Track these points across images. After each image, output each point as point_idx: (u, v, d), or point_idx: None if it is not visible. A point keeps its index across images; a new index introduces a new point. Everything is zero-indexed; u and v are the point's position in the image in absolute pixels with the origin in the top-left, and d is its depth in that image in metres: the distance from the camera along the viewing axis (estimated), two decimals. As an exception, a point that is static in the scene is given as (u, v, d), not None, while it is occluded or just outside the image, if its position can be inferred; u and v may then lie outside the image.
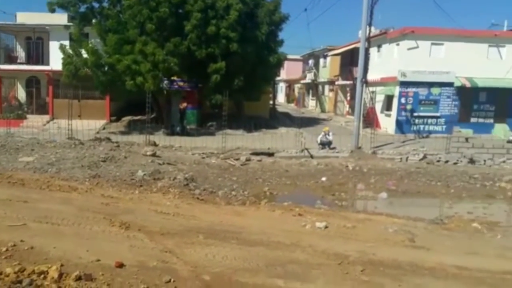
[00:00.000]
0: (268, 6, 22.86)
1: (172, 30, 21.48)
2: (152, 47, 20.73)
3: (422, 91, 24.26)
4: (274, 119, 29.29)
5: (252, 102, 26.85)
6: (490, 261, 6.23)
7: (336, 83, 35.76)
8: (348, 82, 31.83)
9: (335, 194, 11.39)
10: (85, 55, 21.94)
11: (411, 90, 24.21)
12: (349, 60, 31.27)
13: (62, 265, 4.37)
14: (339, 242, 6.76)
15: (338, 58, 35.09)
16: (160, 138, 18.39)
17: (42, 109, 27.78)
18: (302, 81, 47.33)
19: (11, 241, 5.03)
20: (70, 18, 25.19)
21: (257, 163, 14.68)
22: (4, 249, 4.79)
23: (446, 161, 15.54)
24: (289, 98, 56.03)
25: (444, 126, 23.82)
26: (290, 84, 55.88)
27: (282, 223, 7.96)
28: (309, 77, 43.63)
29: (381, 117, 26.23)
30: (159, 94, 22.70)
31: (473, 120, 24.77)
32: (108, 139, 16.71)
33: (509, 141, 18.99)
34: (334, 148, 17.47)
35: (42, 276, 4.11)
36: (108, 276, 4.44)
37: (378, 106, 26.50)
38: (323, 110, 40.08)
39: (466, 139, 17.67)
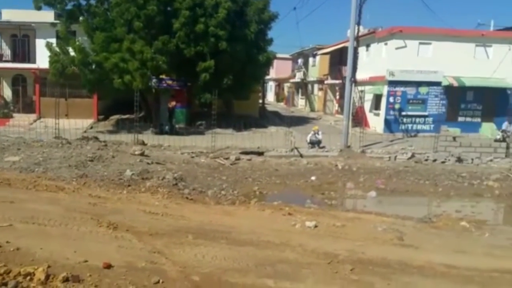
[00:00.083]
0: (257, 4, 22.84)
1: (160, 28, 21.35)
2: (140, 45, 20.58)
3: (410, 90, 24.45)
4: (264, 118, 29.30)
5: (242, 101, 26.82)
6: (478, 259, 6.29)
7: (326, 82, 35.89)
8: (337, 81, 31.96)
9: (324, 193, 11.43)
10: (72, 53, 21.70)
11: (399, 89, 24.39)
12: (338, 59, 31.39)
13: (49, 267, 4.29)
14: (328, 241, 6.77)
15: (327, 57, 35.20)
16: (149, 137, 18.25)
17: (28, 108, 27.41)
18: (291, 80, 47.43)
19: (-4, 242, 4.93)
20: (57, 16, 24.92)
21: (246, 162, 14.65)
22: (-11, 250, 4.69)
23: (434, 160, 15.67)
24: (279, 97, 56.11)
25: (432, 125, 24.04)
26: (279, 83, 55.96)
27: (272, 222, 7.95)
28: (299, 76, 43.74)
29: (370, 116, 26.38)
30: (147, 92, 22.55)
31: (460, 119, 25.05)
32: (96, 138, 16.52)
33: (496, 140, 19.19)
34: (323, 147, 17.52)
35: (28, 277, 4.02)
36: (96, 277, 4.38)
37: (367, 105, 26.67)
38: (312, 109, 40.19)
39: (454, 138, 17.81)
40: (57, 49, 22.16)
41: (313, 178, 12.92)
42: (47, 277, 4.07)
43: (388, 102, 24.49)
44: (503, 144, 17.66)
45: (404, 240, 7.12)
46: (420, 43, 24.24)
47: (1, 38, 28.74)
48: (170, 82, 22.67)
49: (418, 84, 24.33)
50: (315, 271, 5.38)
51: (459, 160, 15.75)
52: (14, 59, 28.10)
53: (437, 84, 24.28)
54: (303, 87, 44.47)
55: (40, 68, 25.61)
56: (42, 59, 24.16)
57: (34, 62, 26.77)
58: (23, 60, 27.83)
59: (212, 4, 21.27)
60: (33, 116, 26.01)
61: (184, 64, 21.91)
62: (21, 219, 6.15)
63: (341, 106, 27.69)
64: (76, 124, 19.31)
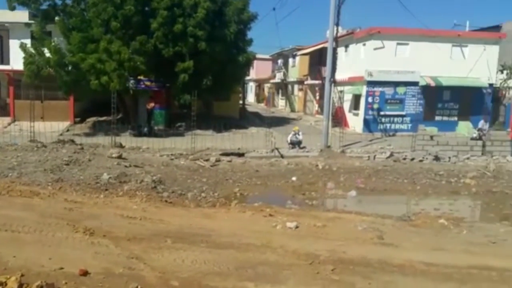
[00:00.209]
0: (236, 4, 22.76)
1: (138, 28, 21.10)
2: (117, 45, 20.28)
3: (388, 91, 24.79)
4: (244, 119, 29.25)
5: (222, 102, 26.73)
6: (457, 256, 6.37)
7: (305, 82, 36.10)
8: (317, 82, 32.17)
9: (305, 194, 11.43)
10: (47, 54, 21.20)
11: (378, 89, 24.69)
12: (318, 59, 31.60)
13: (22, 275, 4.17)
14: (309, 241, 6.77)
15: (307, 57, 35.41)
16: (127, 139, 17.97)
17: (2, 111, 26.66)
18: (271, 81, 47.54)
19: (-34, 251, 4.77)
20: (31, 16, 24.30)
21: (227, 163, 14.56)
22: (-42, 260, 4.53)
23: (412, 159, 15.87)
24: (259, 97, 56.18)
25: (410, 125, 24.41)
26: (259, 83, 56.03)
27: (252, 224, 7.90)
28: (279, 76, 43.87)
29: (349, 116, 26.63)
30: (125, 94, 22.23)
31: (437, 118, 25.52)
32: (72, 141, 16.16)
33: (472, 138, 19.61)
34: (304, 147, 17.57)
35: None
36: (72, 284, 4.31)
37: (346, 106, 26.92)
38: (292, 110, 40.36)
39: (431, 137, 18.11)
40: (31, 50, 21.62)
41: (293, 178, 12.92)
42: (20, 286, 3.97)
43: (367, 102, 24.76)
44: (479, 142, 18.05)
45: (384, 239, 7.16)
46: (398, 44, 24.61)
47: (-28, 39, 27.94)
48: (148, 83, 22.40)
49: (396, 84, 24.68)
50: (296, 272, 5.36)
51: (437, 158, 16.00)
52: (-13, 60, 27.32)
53: (415, 84, 24.68)
54: (283, 87, 44.62)
55: (14, 70, 24.93)
56: (16, 61, 23.54)
57: (7, 63, 26.05)
58: (-4, 62, 27.08)
59: (190, 4, 21.11)
60: (7, 119, 25.31)
61: (162, 64, 21.69)
62: (-7, 227, 5.97)
63: (321, 106, 27.88)
64: (52, 127, 18.81)
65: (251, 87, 58.74)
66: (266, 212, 8.68)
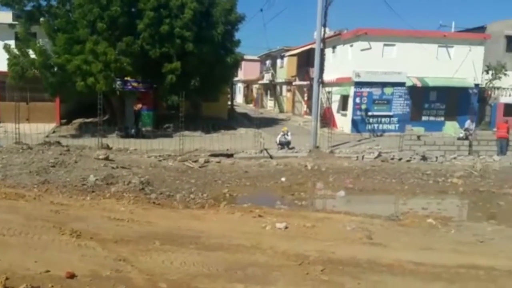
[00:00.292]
0: (223, 5, 22.71)
1: (124, 29, 20.93)
2: (103, 46, 20.09)
3: (376, 91, 24.96)
4: (233, 120, 29.20)
5: (210, 103, 26.63)
6: (445, 256, 6.40)
7: (294, 83, 36.18)
8: (305, 83, 32.27)
9: (294, 194, 11.42)
10: (32, 56, 20.92)
11: (365, 90, 24.85)
12: (306, 60, 31.70)
13: (7, 279, 4.11)
14: (299, 242, 6.75)
15: (295, 58, 35.50)
16: (114, 140, 17.79)
17: (-14, 113, 26.18)
18: (260, 82, 47.58)
19: (-51, 255, 4.66)
20: (15, 17, 23.90)
21: (216, 164, 14.50)
22: None
23: (400, 159, 15.98)
24: (248, 98, 56.17)
25: (397, 125, 24.62)
26: (248, 84, 56.01)
27: (242, 225, 7.86)
28: (267, 77, 43.92)
29: (338, 117, 26.75)
30: (112, 95, 22.02)
31: (424, 118, 25.77)
32: (58, 143, 15.92)
33: (459, 138, 19.83)
34: (293, 148, 17.58)
35: (-17, 292, 3.82)
36: (58, 287, 4.20)
37: (335, 106, 27.04)
38: (281, 110, 40.42)
39: (418, 137, 18.28)
40: (16, 51, 21.31)
41: (283, 179, 12.91)
42: (5, 289, 3.88)
43: (354, 103, 24.90)
44: (466, 142, 18.28)
45: (373, 238, 7.18)
46: (385, 45, 24.79)
47: (-45, 39, 27.40)
48: (135, 84, 22.24)
49: (383, 85, 24.86)
50: (286, 273, 5.34)
51: (424, 158, 16.13)
52: (-30, 62, 26.81)
53: (401, 84, 24.89)
54: (271, 88, 44.67)
55: (-2, 71, 24.52)
56: (0, 62, 23.16)
57: (-9, 65, 25.63)
58: (-21, 63, 26.59)
59: (177, 5, 21.00)
60: (-9, 121, 24.88)
61: (149, 65, 21.55)
62: (-23, 230, 5.85)
63: (309, 107, 27.96)
64: (38, 129, 18.54)
65: (239, 88, 58.71)
66: (255, 213, 8.64)
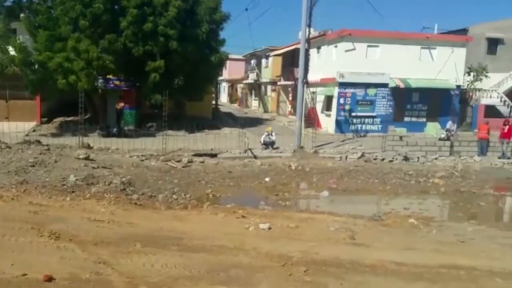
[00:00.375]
0: (207, 3, 22.55)
1: (107, 26, 20.63)
2: (85, 44, 19.79)
3: (359, 92, 25.14)
4: (217, 119, 29.06)
5: (194, 102, 26.45)
6: (427, 256, 6.45)
7: (278, 83, 36.21)
8: (289, 83, 32.32)
9: (278, 194, 11.40)
10: (12, 52, 20.47)
11: (349, 90, 25.00)
12: (290, 60, 31.74)
13: (-20, 283, 3.98)
14: (282, 243, 6.72)
15: (280, 58, 35.52)
16: (95, 140, 17.51)
17: (-36, 110, 25.56)
18: (244, 81, 47.49)
19: None
20: (-6, 13, 23.39)
21: (199, 164, 14.39)
22: None
23: (383, 159, 16.12)
24: (232, 98, 56.03)
25: (380, 126, 24.83)
26: (232, 84, 55.88)
27: (225, 226, 7.80)
28: (252, 77, 43.86)
29: (322, 117, 26.86)
30: (93, 93, 21.70)
31: (406, 119, 26.06)
32: (38, 141, 15.60)
33: (440, 139, 20.08)
34: (277, 148, 17.57)
35: (-46, 297, 3.69)
36: (35, 291, 4.11)
37: (319, 106, 27.16)
38: (266, 110, 40.42)
39: (400, 138, 18.45)
40: (-5, 47, 20.83)
41: (267, 179, 12.88)
42: (-23, 295, 3.75)
43: (338, 103, 25.03)
44: (447, 143, 18.54)
45: (356, 239, 7.20)
46: (369, 46, 24.97)
47: None
48: (117, 82, 21.92)
49: (367, 85, 25.05)
50: (269, 274, 5.31)
51: (406, 158, 16.30)
52: None
53: (385, 85, 25.10)
54: (256, 88, 44.63)
55: (-23, 68, 23.94)
56: (-22, 59, 22.62)
57: (-31, 61, 25.00)
58: (-43, 60, 25.90)
59: (161, 2, 20.79)
60: (-31, 119, 24.28)
61: (132, 64, 21.28)
62: (-49, 232, 5.68)
63: (294, 107, 28.02)
64: (18, 127, 18.13)
65: (224, 88, 58.52)
66: (238, 214, 8.59)
